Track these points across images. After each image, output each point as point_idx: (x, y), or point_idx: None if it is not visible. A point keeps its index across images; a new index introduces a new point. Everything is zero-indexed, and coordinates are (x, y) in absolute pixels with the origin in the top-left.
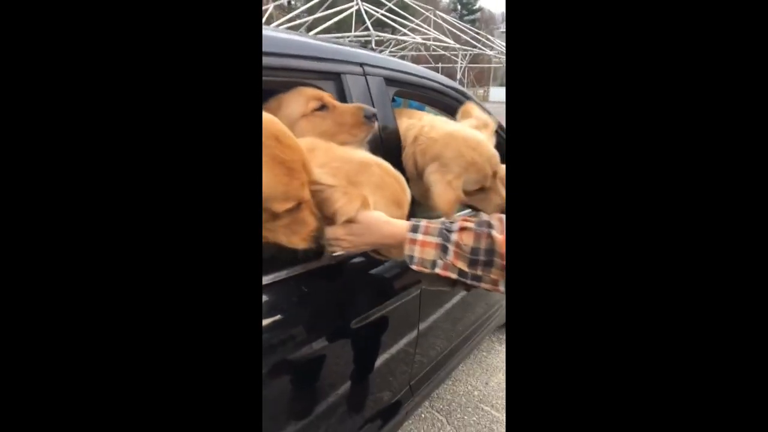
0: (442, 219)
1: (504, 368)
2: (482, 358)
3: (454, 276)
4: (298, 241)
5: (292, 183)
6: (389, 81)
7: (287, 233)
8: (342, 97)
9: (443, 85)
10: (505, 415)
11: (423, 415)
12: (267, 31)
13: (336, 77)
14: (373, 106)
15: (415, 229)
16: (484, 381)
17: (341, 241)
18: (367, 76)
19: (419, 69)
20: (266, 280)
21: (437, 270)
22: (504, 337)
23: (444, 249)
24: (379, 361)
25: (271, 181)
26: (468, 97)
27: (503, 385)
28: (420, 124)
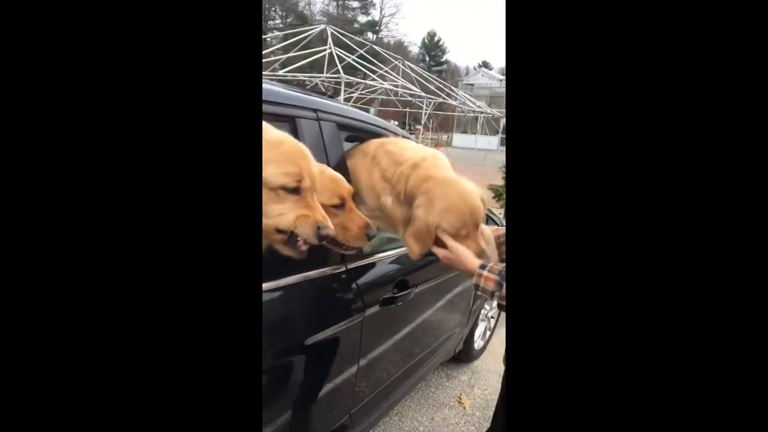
0: (503, 265)
1: (449, 404)
2: (430, 393)
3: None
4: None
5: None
6: (341, 126)
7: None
8: (296, 139)
9: (392, 132)
10: None
11: None
12: None
13: (291, 121)
14: (326, 148)
15: (482, 267)
16: (429, 416)
17: (443, 256)
18: (321, 122)
19: (369, 116)
20: None
21: (495, 300)
22: (451, 373)
23: (500, 285)
24: (322, 389)
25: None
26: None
27: (448, 420)
28: (423, 155)
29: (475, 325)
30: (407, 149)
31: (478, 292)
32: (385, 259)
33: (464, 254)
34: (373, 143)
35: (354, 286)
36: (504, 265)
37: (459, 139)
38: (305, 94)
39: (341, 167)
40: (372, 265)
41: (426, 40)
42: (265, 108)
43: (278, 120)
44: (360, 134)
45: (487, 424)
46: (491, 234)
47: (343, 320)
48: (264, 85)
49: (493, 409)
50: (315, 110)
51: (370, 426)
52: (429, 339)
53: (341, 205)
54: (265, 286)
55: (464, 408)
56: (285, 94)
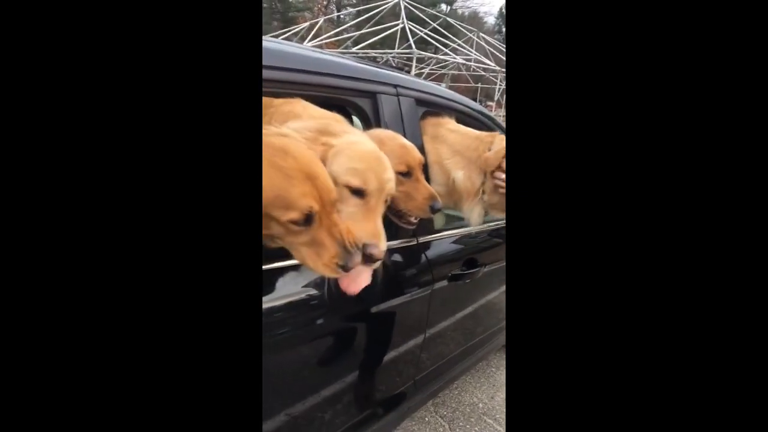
0: None
1: None
2: (491, 373)
3: None
4: (321, 267)
5: (291, 190)
6: (419, 102)
7: (312, 256)
8: (376, 114)
9: (470, 107)
10: (505, 430)
11: (427, 419)
12: (316, 54)
13: (372, 96)
14: (403, 123)
15: None
16: (490, 395)
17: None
18: (400, 97)
19: (447, 92)
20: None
21: None
22: None
23: None
24: (389, 355)
25: (266, 184)
26: (492, 119)
27: None
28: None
29: None
30: (470, 129)
31: None
32: (455, 236)
33: None
34: (429, 125)
35: (424, 259)
36: None
37: None
38: (385, 69)
39: (418, 142)
40: (442, 241)
41: (503, 10)
42: (347, 84)
43: (360, 96)
44: (438, 110)
45: None
46: None
47: (412, 291)
48: (345, 61)
49: None
50: (395, 86)
51: (431, 396)
52: (493, 320)
53: (407, 173)
54: None
55: None
56: (366, 70)
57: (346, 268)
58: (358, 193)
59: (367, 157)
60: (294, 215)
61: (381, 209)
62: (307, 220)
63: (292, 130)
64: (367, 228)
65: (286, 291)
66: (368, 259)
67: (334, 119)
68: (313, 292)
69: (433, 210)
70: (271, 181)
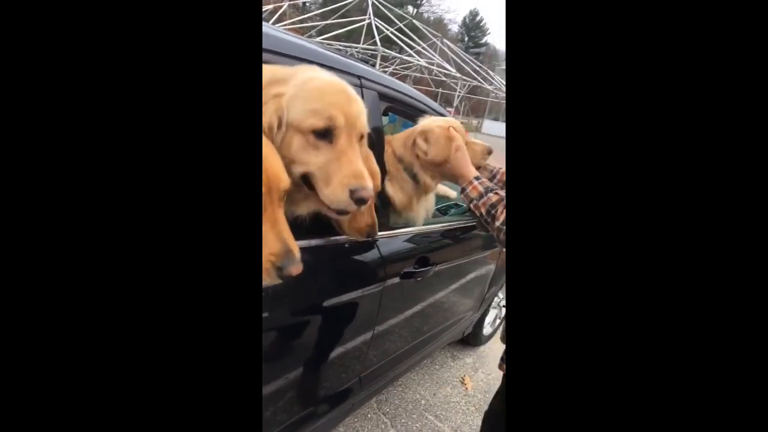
0: (491, 184)
1: (452, 383)
2: (434, 370)
3: (478, 213)
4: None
5: None
6: (382, 96)
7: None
8: None
9: (431, 108)
10: (446, 426)
11: (369, 416)
12: (277, 32)
13: None
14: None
15: (476, 178)
16: (432, 392)
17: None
18: (363, 89)
19: (411, 89)
20: None
21: (472, 205)
22: (457, 354)
23: (480, 196)
24: (335, 351)
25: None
26: None
27: (449, 398)
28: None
29: (486, 312)
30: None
31: (462, 195)
32: (409, 234)
33: (467, 161)
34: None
35: (378, 255)
36: (491, 184)
37: (489, 125)
38: (350, 59)
39: (378, 137)
40: (397, 238)
41: (467, 20)
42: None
43: None
44: (400, 107)
45: (486, 407)
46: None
47: (364, 287)
48: (309, 45)
49: (494, 393)
50: (359, 77)
51: (376, 392)
52: (440, 318)
53: (324, 133)
54: None
55: (466, 389)
56: (329, 57)
57: (282, 274)
58: (325, 135)
59: (326, 91)
60: None
61: (356, 146)
62: None
63: None
64: (345, 171)
65: None
66: (359, 202)
67: (278, 67)
68: None
69: (369, 237)
70: None
